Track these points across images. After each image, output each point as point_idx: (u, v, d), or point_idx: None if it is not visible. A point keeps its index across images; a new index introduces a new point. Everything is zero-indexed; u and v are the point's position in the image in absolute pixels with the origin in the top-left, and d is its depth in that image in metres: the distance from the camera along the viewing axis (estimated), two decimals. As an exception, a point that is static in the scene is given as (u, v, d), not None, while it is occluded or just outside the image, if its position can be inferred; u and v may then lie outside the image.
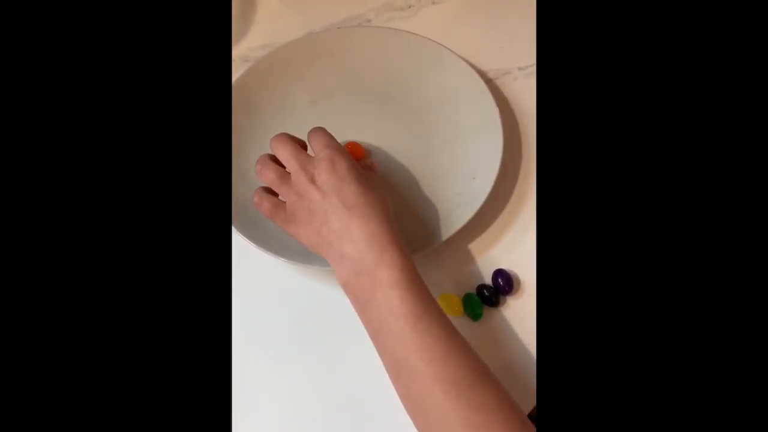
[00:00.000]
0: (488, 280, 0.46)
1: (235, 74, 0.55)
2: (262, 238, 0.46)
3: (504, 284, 0.45)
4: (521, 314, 0.45)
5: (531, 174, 0.51)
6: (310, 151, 0.43)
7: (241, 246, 0.46)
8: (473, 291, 0.45)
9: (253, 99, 0.54)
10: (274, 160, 0.44)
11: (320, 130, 0.43)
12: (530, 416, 0.35)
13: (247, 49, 0.62)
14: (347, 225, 0.38)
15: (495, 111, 0.50)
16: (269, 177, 0.43)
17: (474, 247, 0.48)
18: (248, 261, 0.47)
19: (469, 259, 0.47)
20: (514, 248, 0.47)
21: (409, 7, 0.64)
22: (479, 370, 0.34)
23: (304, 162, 0.41)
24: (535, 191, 0.50)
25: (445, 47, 0.55)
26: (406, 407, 0.35)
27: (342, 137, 0.52)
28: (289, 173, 0.42)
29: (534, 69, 0.57)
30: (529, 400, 0.39)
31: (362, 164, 0.50)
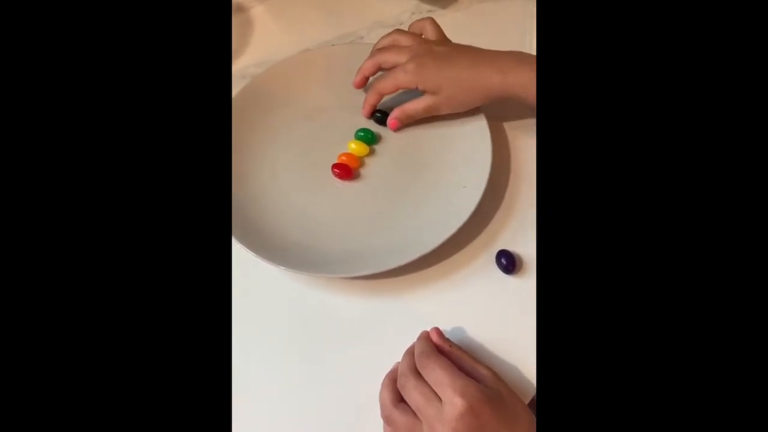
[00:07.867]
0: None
1: (234, 90, 0.57)
2: (261, 247, 0.47)
3: (507, 264, 0.47)
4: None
5: (521, 181, 0.53)
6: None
7: (240, 254, 0.47)
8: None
9: (250, 113, 0.56)
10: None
11: (440, 362, 0.37)
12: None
13: (244, 66, 0.65)
14: None
15: (483, 121, 0.52)
16: (384, 399, 0.40)
17: (467, 252, 0.49)
18: (247, 268, 0.49)
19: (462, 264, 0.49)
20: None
21: (400, 24, 0.66)
22: None
23: (430, 417, 0.35)
24: (525, 199, 0.52)
25: (435, 62, 0.57)
26: None
27: (337, 151, 0.54)
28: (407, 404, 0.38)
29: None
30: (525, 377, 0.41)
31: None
